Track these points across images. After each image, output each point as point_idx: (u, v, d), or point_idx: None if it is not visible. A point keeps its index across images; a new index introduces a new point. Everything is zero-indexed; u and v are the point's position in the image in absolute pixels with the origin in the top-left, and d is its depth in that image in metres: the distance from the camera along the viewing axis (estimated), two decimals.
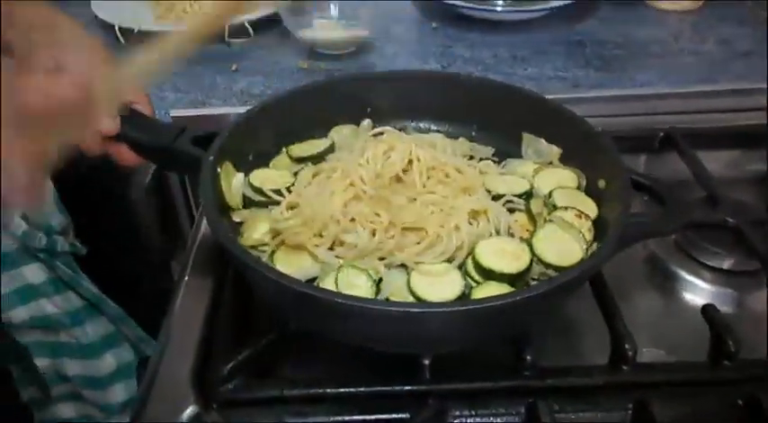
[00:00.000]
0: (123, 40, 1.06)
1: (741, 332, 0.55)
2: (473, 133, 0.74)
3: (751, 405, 0.52)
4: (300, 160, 0.71)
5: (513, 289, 0.54)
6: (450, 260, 0.59)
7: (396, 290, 0.56)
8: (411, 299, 0.55)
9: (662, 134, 0.82)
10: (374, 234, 0.59)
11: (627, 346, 0.54)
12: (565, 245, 0.58)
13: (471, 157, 0.72)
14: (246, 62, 1.02)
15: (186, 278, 0.65)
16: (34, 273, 0.82)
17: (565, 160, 0.68)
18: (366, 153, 0.66)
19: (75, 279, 0.85)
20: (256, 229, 0.63)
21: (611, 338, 0.56)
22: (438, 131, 0.75)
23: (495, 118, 0.73)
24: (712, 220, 0.68)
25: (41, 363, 0.87)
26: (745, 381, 0.54)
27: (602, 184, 0.63)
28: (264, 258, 0.59)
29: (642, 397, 0.53)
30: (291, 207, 0.64)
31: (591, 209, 0.62)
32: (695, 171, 0.75)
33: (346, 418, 0.53)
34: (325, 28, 1.03)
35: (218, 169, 0.62)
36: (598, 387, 0.54)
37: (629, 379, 0.54)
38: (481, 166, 0.69)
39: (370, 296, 0.55)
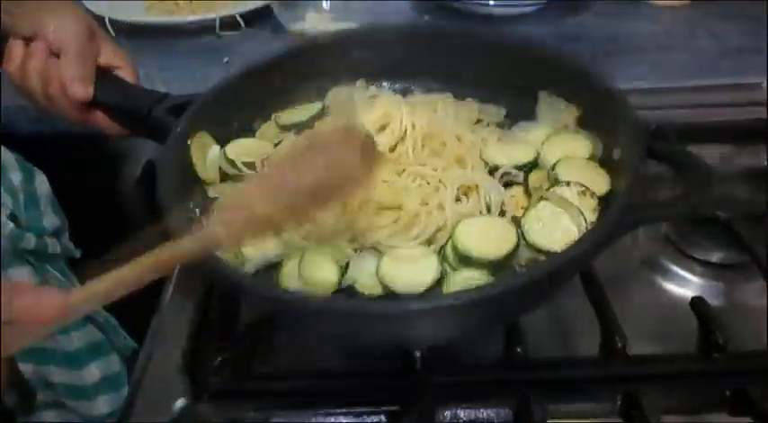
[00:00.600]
0: (113, 32, 1.05)
1: (729, 325, 0.55)
2: (485, 94, 0.67)
3: (738, 396, 0.53)
4: (287, 128, 0.65)
5: (490, 277, 0.51)
6: (430, 242, 0.54)
7: (363, 277, 0.52)
8: (380, 287, 0.52)
9: (654, 128, 0.82)
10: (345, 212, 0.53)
11: (617, 338, 0.54)
12: (560, 226, 0.51)
13: (479, 121, 0.65)
14: (238, 55, 1.01)
15: (177, 269, 0.65)
16: (22, 276, 0.79)
17: (583, 124, 0.61)
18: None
19: (65, 284, 0.82)
20: None
21: (601, 331, 0.56)
22: (444, 92, 0.68)
23: (509, 76, 0.65)
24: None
25: (25, 368, 0.84)
26: (733, 372, 0.54)
27: (617, 153, 0.55)
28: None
29: (632, 389, 0.53)
30: None
31: (600, 184, 0.54)
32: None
33: (338, 410, 0.53)
34: (317, 21, 1.02)
35: (189, 141, 0.58)
36: (588, 379, 0.54)
37: (620, 371, 0.54)
38: (484, 133, 0.62)
39: (333, 283, 0.52)
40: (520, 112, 0.65)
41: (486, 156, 0.60)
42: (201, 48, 1.03)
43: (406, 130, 0.60)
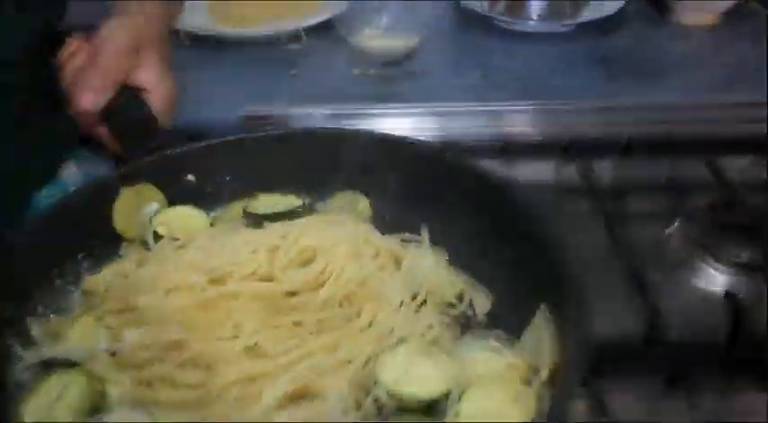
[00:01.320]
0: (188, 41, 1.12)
1: (759, 318, 0.63)
2: (490, 271, 0.52)
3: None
4: (252, 217, 0.55)
5: None
6: None
7: None
8: None
9: (683, 141, 0.91)
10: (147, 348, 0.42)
11: (659, 324, 0.62)
12: None
13: (452, 305, 0.50)
14: (304, 67, 1.07)
15: None
16: None
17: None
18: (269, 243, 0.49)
19: None
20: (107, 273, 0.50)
21: (644, 319, 0.64)
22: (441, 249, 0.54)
23: (517, 267, 0.51)
24: (731, 220, 0.77)
25: None
26: (759, 359, 0.62)
27: None
28: (72, 315, 0.49)
29: (672, 371, 0.61)
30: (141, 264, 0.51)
31: None
32: (715, 175, 0.84)
33: None
34: (375, 36, 1.11)
35: (120, 190, 0.54)
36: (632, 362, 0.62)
37: (662, 355, 0.62)
38: (419, 326, 0.45)
39: None
40: (519, 313, 0.48)
41: (376, 364, 0.42)
42: (268, 59, 1.09)
43: (330, 277, 0.47)
